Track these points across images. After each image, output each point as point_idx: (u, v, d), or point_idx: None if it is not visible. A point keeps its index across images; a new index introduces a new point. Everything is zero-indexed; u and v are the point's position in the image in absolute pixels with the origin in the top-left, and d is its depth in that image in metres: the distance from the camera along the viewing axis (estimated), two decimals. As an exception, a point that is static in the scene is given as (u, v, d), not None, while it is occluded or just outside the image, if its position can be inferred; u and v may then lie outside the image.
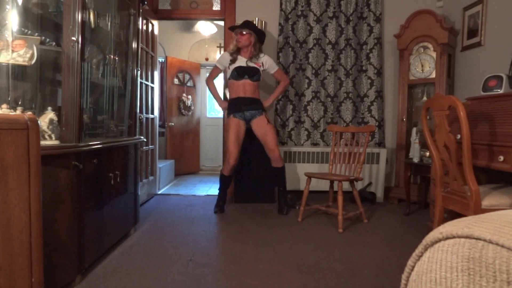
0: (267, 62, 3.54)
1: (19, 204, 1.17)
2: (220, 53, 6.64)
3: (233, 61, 3.46)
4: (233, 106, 3.48)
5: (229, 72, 3.48)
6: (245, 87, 3.45)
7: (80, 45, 1.91)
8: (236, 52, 3.48)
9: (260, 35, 3.50)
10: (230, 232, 2.92)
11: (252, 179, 3.88)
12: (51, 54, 2.11)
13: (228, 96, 3.63)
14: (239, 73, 3.41)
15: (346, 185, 3.57)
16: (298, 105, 4.21)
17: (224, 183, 3.57)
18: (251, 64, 3.46)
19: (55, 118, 1.88)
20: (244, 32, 3.41)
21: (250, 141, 3.63)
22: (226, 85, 3.85)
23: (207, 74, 6.95)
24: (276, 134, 3.61)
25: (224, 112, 3.72)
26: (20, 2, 2.00)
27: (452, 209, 2.16)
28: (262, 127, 3.46)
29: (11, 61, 1.88)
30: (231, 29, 3.53)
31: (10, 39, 1.88)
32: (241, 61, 3.46)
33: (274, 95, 3.67)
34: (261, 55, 3.53)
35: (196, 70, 6.51)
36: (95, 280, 1.97)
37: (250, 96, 3.47)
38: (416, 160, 3.45)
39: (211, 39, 6.70)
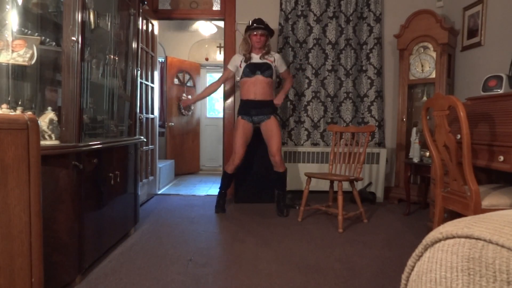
0: (278, 60, 3.52)
1: (19, 204, 1.17)
2: (220, 53, 6.64)
3: (246, 59, 3.44)
4: (242, 108, 3.49)
5: (241, 70, 3.45)
6: (256, 85, 3.40)
7: (80, 45, 1.91)
8: (248, 52, 3.47)
9: (271, 32, 3.53)
10: (230, 232, 2.92)
11: (252, 179, 3.88)
12: (51, 54, 2.11)
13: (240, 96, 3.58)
14: (251, 69, 3.39)
15: (346, 185, 3.57)
16: (298, 105, 4.21)
17: (228, 180, 3.59)
18: (263, 60, 3.45)
19: (55, 118, 1.88)
20: (261, 33, 3.40)
21: (252, 141, 3.62)
22: (238, 86, 3.83)
23: (207, 74, 7.04)
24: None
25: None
26: (20, 2, 2.00)
27: (452, 209, 2.16)
28: (268, 130, 3.44)
29: (11, 61, 1.88)
30: (247, 29, 3.48)
31: (10, 39, 1.88)
32: (254, 59, 3.46)
33: (283, 93, 3.58)
34: (272, 52, 3.56)
35: (196, 70, 6.51)
36: (95, 280, 1.97)
37: (260, 99, 3.41)
38: (416, 160, 3.45)
39: (211, 39, 6.70)
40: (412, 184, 3.74)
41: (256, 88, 3.41)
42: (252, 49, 3.46)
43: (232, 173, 3.56)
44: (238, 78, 3.56)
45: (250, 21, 3.48)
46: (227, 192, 3.63)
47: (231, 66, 3.55)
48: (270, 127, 3.43)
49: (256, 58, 3.46)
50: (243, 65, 3.44)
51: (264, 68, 3.41)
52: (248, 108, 3.45)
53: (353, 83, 4.15)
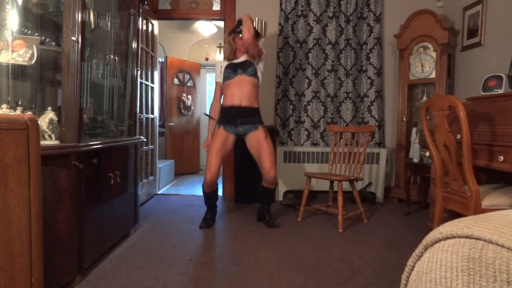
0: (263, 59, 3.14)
1: (19, 204, 1.17)
2: (220, 53, 6.65)
3: (227, 61, 3.12)
4: (225, 117, 3.04)
5: (222, 75, 3.09)
6: (242, 87, 2.99)
7: (80, 45, 1.91)
8: (233, 54, 3.12)
9: (257, 34, 3.14)
10: (230, 232, 2.92)
11: (253, 179, 3.88)
12: (51, 54, 2.11)
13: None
14: (232, 69, 3.02)
15: (346, 185, 3.57)
16: (298, 105, 4.21)
17: (206, 198, 3.11)
18: (244, 59, 3.08)
19: (55, 118, 1.88)
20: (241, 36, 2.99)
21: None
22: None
23: (207, 74, 7.04)
24: (274, 151, 3.12)
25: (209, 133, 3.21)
26: (20, 2, 2.00)
27: (452, 209, 2.16)
28: (257, 143, 3.00)
29: (11, 61, 1.88)
30: (231, 32, 3.14)
31: (10, 39, 1.88)
32: (236, 60, 3.12)
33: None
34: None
35: (196, 70, 6.51)
36: (95, 280, 1.97)
37: (247, 105, 2.99)
38: (416, 160, 3.45)
39: (211, 39, 6.71)
40: (412, 184, 3.74)
41: (242, 91, 2.99)
42: (236, 52, 3.11)
43: (209, 192, 3.04)
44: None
45: (236, 22, 3.14)
46: (215, 206, 3.18)
47: (218, 78, 3.16)
48: (259, 139, 2.99)
49: (237, 60, 3.11)
50: (223, 68, 3.09)
51: (245, 66, 3.02)
52: (232, 117, 3.00)
53: (353, 83, 4.15)
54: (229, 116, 3.02)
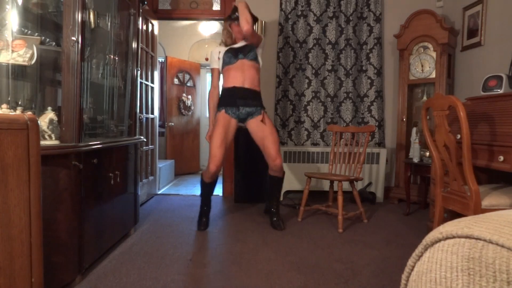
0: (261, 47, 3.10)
1: (19, 204, 1.17)
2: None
3: (226, 46, 3.05)
4: (226, 98, 2.94)
5: (221, 60, 3.00)
6: (244, 71, 2.91)
7: (80, 45, 1.91)
8: (233, 42, 3.06)
9: (254, 19, 3.04)
10: (230, 232, 2.92)
11: (252, 179, 3.88)
12: (51, 54, 2.11)
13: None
14: (233, 53, 2.94)
15: (346, 185, 3.57)
16: (298, 105, 4.21)
17: (204, 190, 3.02)
18: (243, 43, 3.02)
19: (55, 118, 1.88)
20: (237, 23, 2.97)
21: (250, 138, 3.58)
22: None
23: (207, 74, 7.04)
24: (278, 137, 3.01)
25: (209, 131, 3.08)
26: (20, 2, 2.00)
27: (452, 209, 2.16)
28: (260, 129, 2.91)
29: (11, 61, 1.88)
30: (227, 19, 3.08)
31: (10, 39, 1.88)
32: (235, 45, 3.06)
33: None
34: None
35: (196, 70, 6.51)
36: (95, 280, 1.97)
37: (250, 87, 2.92)
38: (416, 160, 3.45)
39: (211, 39, 6.71)
40: (412, 184, 3.74)
41: (245, 74, 2.91)
42: (235, 39, 3.05)
43: (210, 182, 2.95)
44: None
45: (232, 8, 3.04)
46: (210, 203, 3.10)
47: (214, 64, 3.05)
48: (262, 124, 2.90)
49: (237, 44, 3.05)
50: (222, 54, 2.99)
51: (246, 51, 2.95)
52: (234, 98, 2.90)
53: (353, 83, 4.15)
54: (230, 97, 2.93)
